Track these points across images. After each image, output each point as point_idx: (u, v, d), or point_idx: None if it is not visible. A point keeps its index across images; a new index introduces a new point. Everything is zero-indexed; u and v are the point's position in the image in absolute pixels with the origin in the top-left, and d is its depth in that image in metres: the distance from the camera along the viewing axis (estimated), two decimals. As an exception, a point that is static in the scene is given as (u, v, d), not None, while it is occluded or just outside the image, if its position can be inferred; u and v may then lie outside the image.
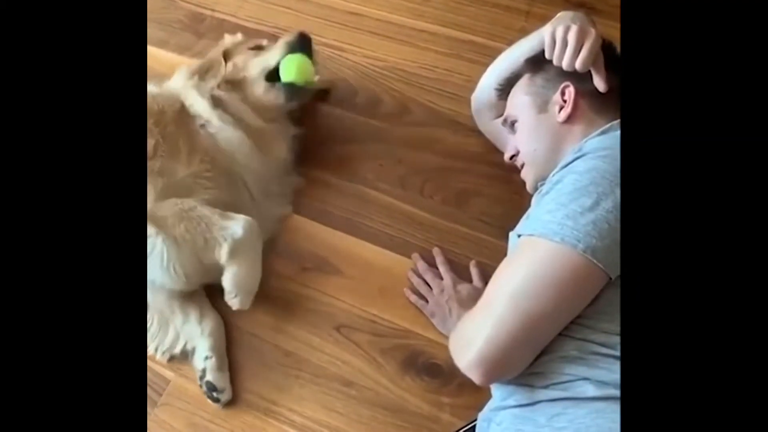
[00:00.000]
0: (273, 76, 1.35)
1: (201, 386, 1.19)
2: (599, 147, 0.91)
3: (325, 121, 1.50)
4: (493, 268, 0.93)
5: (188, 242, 1.14)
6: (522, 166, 1.15)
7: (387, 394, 1.18)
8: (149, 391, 1.22)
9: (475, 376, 0.86)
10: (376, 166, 1.42)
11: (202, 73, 1.35)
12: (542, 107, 1.08)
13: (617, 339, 0.83)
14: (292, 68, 1.33)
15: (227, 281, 1.15)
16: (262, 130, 1.35)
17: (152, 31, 1.65)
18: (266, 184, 1.35)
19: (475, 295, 0.96)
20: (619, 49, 1.04)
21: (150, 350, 1.25)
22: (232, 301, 1.16)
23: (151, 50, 1.62)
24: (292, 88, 1.34)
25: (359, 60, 1.56)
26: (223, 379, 1.20)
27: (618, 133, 0.96)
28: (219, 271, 1.16)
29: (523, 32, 1.24)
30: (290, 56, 1.34)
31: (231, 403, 1.20)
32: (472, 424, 1.04)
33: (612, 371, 0.81)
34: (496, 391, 0.95)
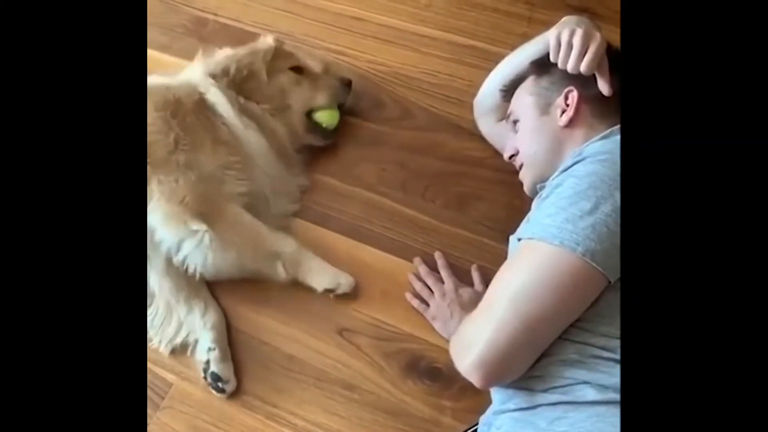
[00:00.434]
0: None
1: (205, 378, 1.19)
2: (599, 151, 0.92)
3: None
4: (495, 272, 0.93)
5: (237, 246, 1.18)
6: (521, 166, 1.15)
7: (388, 397, 1.18)
8: (152, 394, 1.22)
9: (475, 379, 0.86)
10: (378, 170, 1.42)
11: (237, 83, 1.33)
12: (545, 109, 1.08)
13: (617, 342, 0.83)
14: (325, 113, 1.40)
15: (320, 286, 1.22)
16: (288, 153, 1.38)
17: (155, 35, 1.66)
18: (278, 187, 1.36)
19: (477, 299, 0.96)
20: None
21: (153, 342, 1.25)
22: (340, 292, 1.23)
23: (155, 55, 1.62)
24: (325, 131, 1.41)
25: (361, 64, 1.57)
26: (227, 369, 1.20)
27: (618, 137, 0.96)
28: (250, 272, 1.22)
29: (525, 37, 1.24)
30: (322, 111, 1.40)
31: (233, 406, 1.20)
32: (474, 428, 1.05)
33: (612, 375, 0.81)
34: (496, 394, 0.95)
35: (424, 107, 1.49)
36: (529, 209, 1.07)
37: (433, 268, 1.27)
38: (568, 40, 0.99)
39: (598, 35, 0.99)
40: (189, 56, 1.61)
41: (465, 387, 1.12)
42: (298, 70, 1.40)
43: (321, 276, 1.23)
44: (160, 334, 1.25)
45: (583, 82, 1.03)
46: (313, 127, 1.40)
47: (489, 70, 1.30)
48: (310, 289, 1.28)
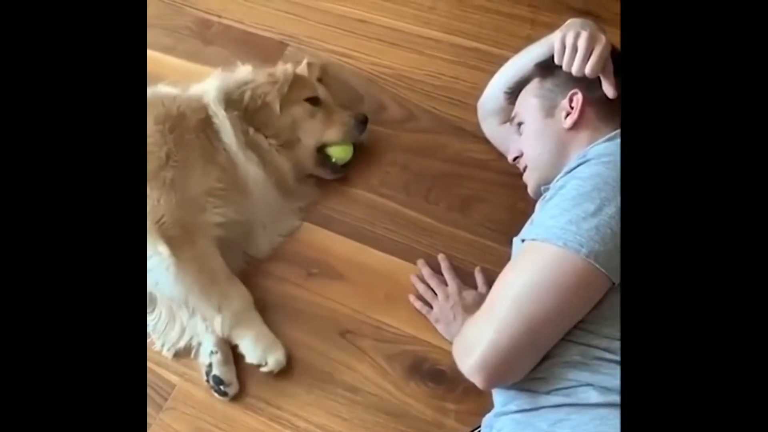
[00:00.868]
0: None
1: (208, 381, 1.19)
2: (603, 153, 0.92)
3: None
4: (498, 275, 0.93)
5: (190, 281, 1.17)
6: (524, 168, 1.15)
7: (391, 399, 1.17)
8: (154, 395, 1.22)
9: (477, 381, 0.86)
10: (381, 172, 1.42)
11: (249, 112, 1.31)
12: (549, 112, 1.08)
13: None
14: (339, 148, 1.37)
15: (248, 358, 1.19)
16: (289, 186, 1.36)
17: (159, 37, 1.66)
18: (270, 218, 1.35)
19: (480, 302, 0.96)
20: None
21: (156, 346, 1.25)
22: (266, 370, 1.18)
23: (159, 56, 1.62)
24: (335, 166, 1.38)
25: (365, 67, 1.57)
26: (229, 372, 1.20)
27: (622, 139, 0.96)
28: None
29: (529, 40, 1.24)
30: (335, 146, 1.37)
31: (236, 408, 1.20)
32: (477, 430, 1.04)
33: (616, 377, 0.81)
34: (498, 396, 0.95)
35: (427, 109, 1.49)
36: (532, 211, 1.07)
37: (437, 270, 1.27)
38: (572, 43, 0.99)
39: (602, 38, 0.99)
40: (194, 58, 1.63)
41: (468, 389, 1.12)
42: (315, 101, 1.37)
43: (252, 347, 1.19)
44: (163, 338, 1.25)
45: (588, 85, 1.03)
46: (323, 161, 1.38)
47: (493, 73, 1.30)
48: (312, 292, 1.28)
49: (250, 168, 1.29)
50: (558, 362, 0.86)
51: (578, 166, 0.93)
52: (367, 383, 1.19)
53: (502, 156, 1.34)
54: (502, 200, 1.35)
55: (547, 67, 1.10)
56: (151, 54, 1.59)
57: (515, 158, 1.18)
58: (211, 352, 1.20)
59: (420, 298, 1.25)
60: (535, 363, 0.87)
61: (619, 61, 1.02)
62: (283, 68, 1.38)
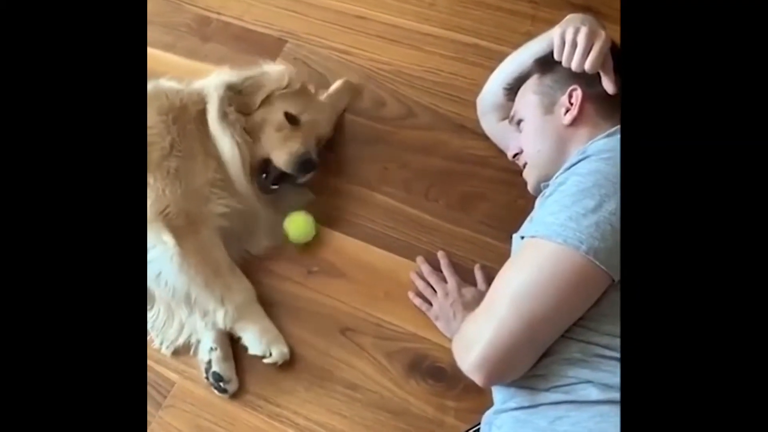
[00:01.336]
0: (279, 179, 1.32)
1: (207, 378, 1.19)
2: (603, 149, 0.91)
3: (330, 124, 1.50)
4: (498, 272, 0.93)
5: (193, 271, 1.17)
6: (524, 165, 1.15)
7: (391, 397, 1.17)
8: (154, 393, 1.22)
9: (477, 378, 0.86)
10: (380, 169, 1.42)
11: (239, 97, 1.30)
12: (549, 108, 1.08)
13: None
14: (294, 229, 1.32)
15: (251, 350, 1.19)
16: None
17: (159, 35, 1.66)
18: (252, 217, 1.32)
19: (480, 299, 0.96)
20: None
21: (155, 343, 1.25)
22: (270, 361, 1.19)
23: (158, 54, 1.62)
24: (266, 186, 1.32)
25: (364, 63, 1.57)
26: (229, 369, 1.20)
27: (622, 135, 0.96)
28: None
29: (529, 36, 1.24)
30: (293, 216, 1.32)
31: (235, 405, 1.20)
32: (477, 428, 1.04)
33: (616, 374, 0.81)
34: (498, 393, 0.95)
35: (427, 106, 1.49)
36: (532, 208, 1.07)
37: (436, 268, 1.27)
38: (572, 38, 0.99)
39: (602, 33, 0.99)
40: (193, 55, 1.63)
41: (468, 387, 1.12)
42: (293, 119, 1.31)
43: (256, 339, 1.20)
44: (161, 336, 1.25)
45: (588, 81, 1.02)
46: (259, 173, 1.31)
47: (492, 69, 1.29)
48: (312, 290, 1.28)
49: (224, 140, 1.26)
50: (558, 359, 0.85)
51: (578, 162, 0.92)
52: (367, 381, 1.19)
53: (501, 153, 1.33)
54: (502, 197, 1.35)
55: (546, 63, 1.10)
56: (151, 51, 1.59)
57: (515, 155, 1.18)
58: (211, 349, 1.20)
59: (419, 295, 1.25)
60: (534, 360, 0.86)
61: (619, 57, 1.01)
62: (278, 70, 1.36)
